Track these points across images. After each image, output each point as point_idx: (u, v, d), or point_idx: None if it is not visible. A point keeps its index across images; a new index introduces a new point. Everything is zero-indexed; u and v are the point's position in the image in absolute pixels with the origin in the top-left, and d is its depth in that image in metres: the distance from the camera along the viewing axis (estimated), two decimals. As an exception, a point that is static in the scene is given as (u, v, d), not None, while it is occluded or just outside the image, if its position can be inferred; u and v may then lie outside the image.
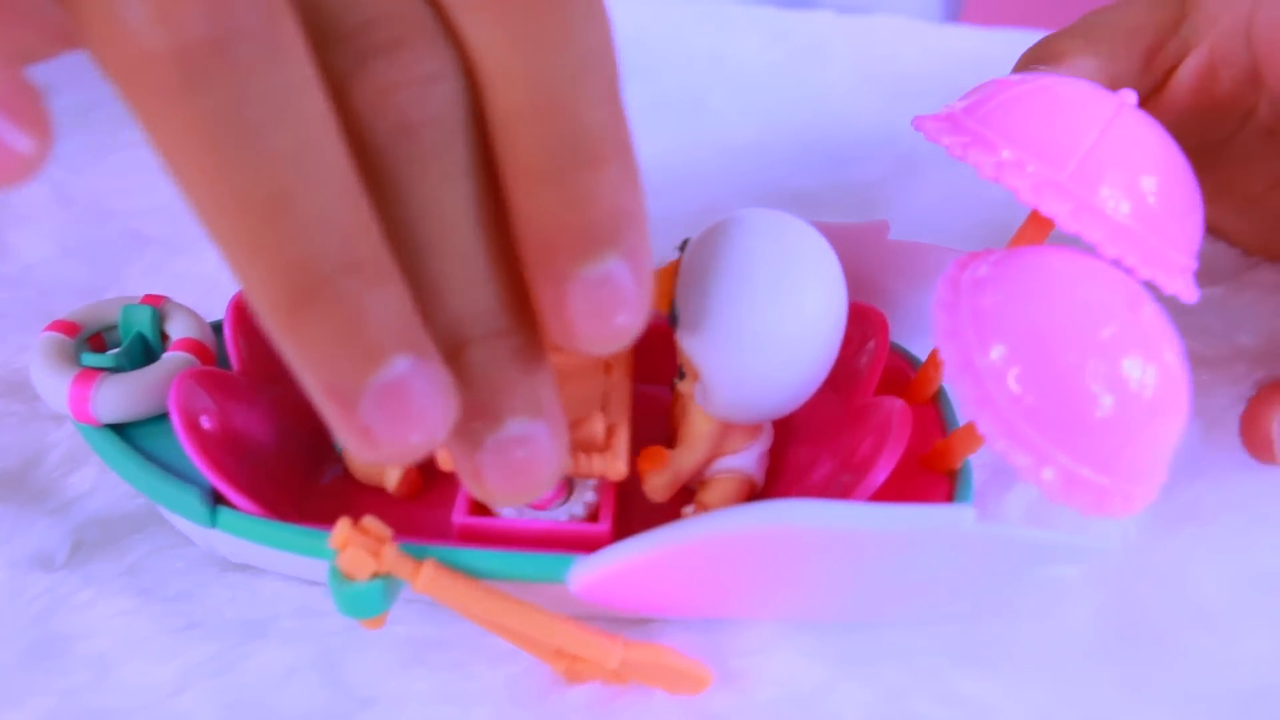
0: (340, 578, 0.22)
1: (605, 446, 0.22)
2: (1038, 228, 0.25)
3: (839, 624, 0.24)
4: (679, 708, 0.22)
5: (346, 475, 0.27)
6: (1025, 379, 0.21)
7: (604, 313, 0.17)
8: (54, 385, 0.25)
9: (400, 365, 0.16)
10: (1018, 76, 0.25)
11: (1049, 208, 0.22)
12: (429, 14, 0.17)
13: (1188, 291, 0.23)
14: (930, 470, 0.25)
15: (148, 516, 0.27)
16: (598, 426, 0.22)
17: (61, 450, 0.28)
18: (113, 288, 0.33)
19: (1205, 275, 0.34)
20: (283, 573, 0.25)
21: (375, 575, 0.22)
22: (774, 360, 0.22)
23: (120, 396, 0.25)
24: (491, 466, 0.18)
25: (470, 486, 0.18)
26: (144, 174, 0.39)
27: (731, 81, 0.43)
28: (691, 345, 0.22)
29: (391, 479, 0.26)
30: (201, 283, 0.28)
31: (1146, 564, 0.25)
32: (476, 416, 0.17)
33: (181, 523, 0.25)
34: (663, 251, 0.25)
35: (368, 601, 0.22)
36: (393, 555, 0.22)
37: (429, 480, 0.27)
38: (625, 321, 0.17)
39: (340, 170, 0.16)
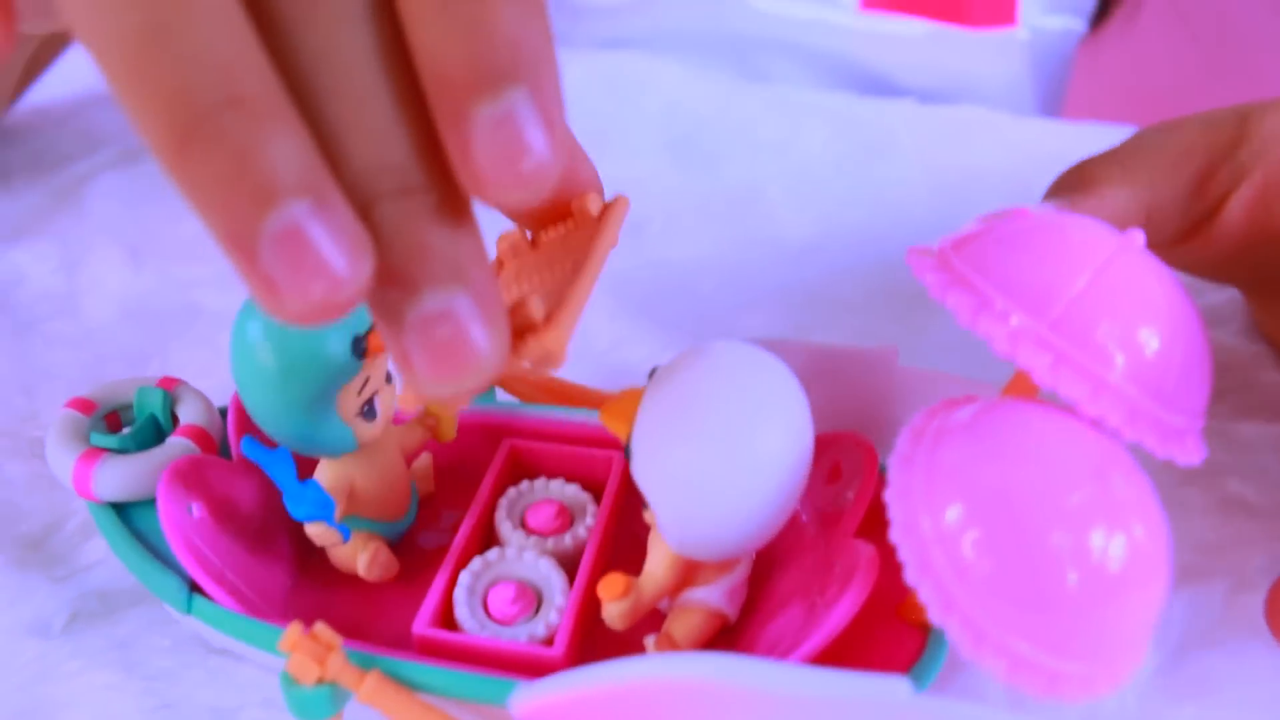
0: (289, 680, 0.22)
1: (548, 323, 0.19)
2: (1028, 382, 0.24)
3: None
4: None
5: (319, 564, 0.27)
6: (980, 546, 0.20)
7: (509, 155, 0.16)
8: (62, 461, 0.26)
9: (296, 208, 0.15)
10: (1019, 210, 0.24)
11: (1025, 360, 0.21)
12: None
13: (1185, 454, 0.22)
14: (904, 620, 0.24)
15: (141, 595, 0.28)
16: (536, 307, 0.19)
17: (79, 519, 0.29)
18: (157, 358, 0.35)
19: (1272, 411, 0.32)
20: (258, 662, 0.26)
21: (321, 681, 0.22)
22: (721, 504, 0.22)
23: (119, 477, 0.26)
24: (416, 347, 0.16)
25: (403, 376, 0.17)
26: (210, 243, 0.41)
27: (793, 174, 0.43)
28: (642, 480, 0.22)
29: (362, 561, 0.26)
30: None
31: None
32: (392, 284, 0.16)
33: (168, 605, 0.26)
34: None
35: (314, 706, 0.22)
36: (338, 664, 0.22)
37: (407, 565, 0.27)
38: (533, 166, 0.16)
39: (221, 3, 0.16)
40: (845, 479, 0.26)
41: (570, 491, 0.28)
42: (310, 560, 0.27)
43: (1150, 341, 0.22)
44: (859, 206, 0.41)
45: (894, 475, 0.21)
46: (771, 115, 0.45)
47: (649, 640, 0.24)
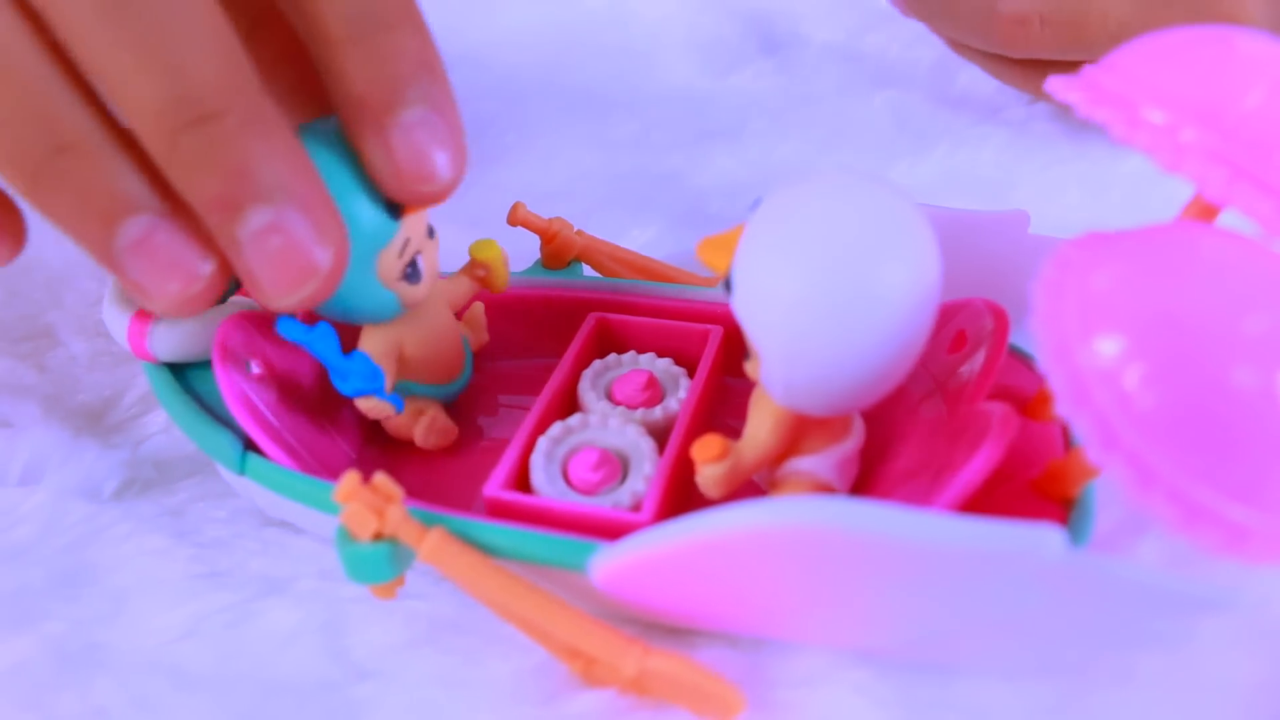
0: (346, 537, 0.20)
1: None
2: (1204, 211, 0.20)
3: (904, 662, 0.20)
4: (702, 732, 0.19)
5: (379, 436, 0.25)
6: (1149, 381, 0.16)
7: (425, 153, 0.19)
8: (117, 319, 0.24)
9: (136, 226, 0.17)
10: (1168, 31, 0.21)
11: (1195, 173, 0.18)
12: None
13: None
14: (1043, 496, 0.21)
15: (205, 462, 0.26)
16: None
17: (141, 390, 0.28)
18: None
19: None
20: (317, 533, 0.24)
21: (379, 537, 0.20)
22: (835, 337, 0.18)
23: (176, 335, 0.24)
24: (253, 264, 0.18)
25: (253, 289, 0.18)
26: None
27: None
28: (745, 315, 0.19)
29: (419, 429, 0.24)
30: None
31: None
32: (217, 209, 0.17)
33: (225, 472, 0.24)
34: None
35: (371, 565, 0.20)
36: (398, 516, 0.20)
37: (464, 433, 0.25)
38: (445, 161, 0.19)
39: (36, 64, 0.18)
40: (969, 349, 0.23)
41: (661, 365, 0.25)
42: (375, 437, 0.25)
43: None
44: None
45: (1042, 302, 0.18)
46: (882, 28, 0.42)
47: (746, 513, 0.21)
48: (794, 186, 0.20)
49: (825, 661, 0.20)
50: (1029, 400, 0.23)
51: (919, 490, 0.21)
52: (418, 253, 0.22)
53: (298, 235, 0.18)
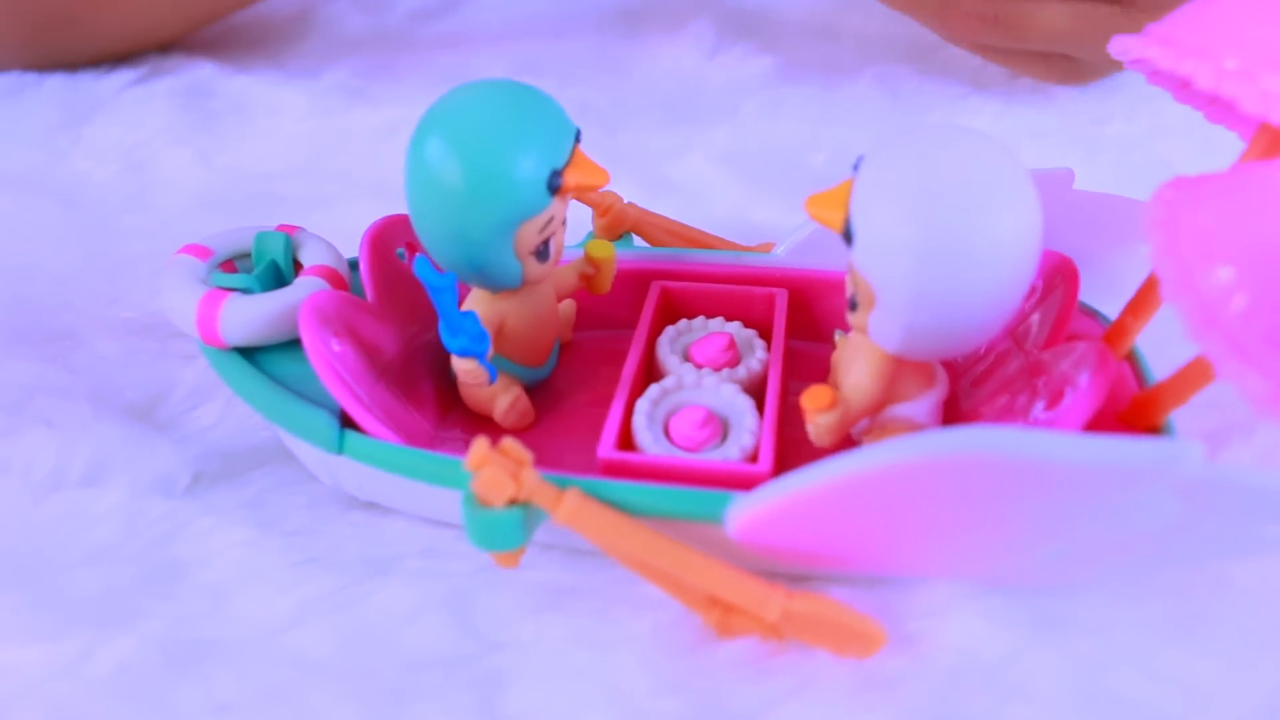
0: (475, 504, 0.20)
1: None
2: (1267, 148, 0.22)
3: (1024, 588, 0.21)
4: (846, 671, 0.20)
5: (459, 405, 0.25)
6: (1257, 302, 0.18)
7: None
8: (182, 304, 0.24)
9: None
10: None
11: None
12: None
13: None
14: (1129, 427, 0.22)
15: (272, 452, 0.25)
16: None
17: (189, 385, 0.27)
18: (248, 237, 0.32)
19: None
20: (409, 512, 0.23)
21: (513, 502, 0.20)
22: (960, 280, 0.19)
23: (249, 317, 0.24)
24: None
25: None
26: (283, 140, 0.39)
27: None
28: (869, 262, 0.20)
29: (501, 404, 0.24)
30: (337, 234, 0.27)
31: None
32: None
33: (308, 457, 0.24)
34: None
35: (504, 531, 0.20)
36: (533, 480, 0.20)
37: (541, 413, 0.25)
38: None
39: None
40: (1038, 298, 0.24)
41: (733, 327, 0.26)
42: (451, 412, 0.25)
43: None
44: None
45: (1158, 238, 0.19)
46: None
47: (854, 459, 0.22)
48: (903, 141, 0.20)
49: (949, 593, 0.21)
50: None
51: (1015, 425, 0.22)
52: (553, 234, 0.22)
53: None
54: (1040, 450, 0.17)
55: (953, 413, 0.24)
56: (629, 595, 0.21)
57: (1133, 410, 0.22)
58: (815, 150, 0.37)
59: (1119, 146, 0.36)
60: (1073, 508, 0.19)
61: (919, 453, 0.18)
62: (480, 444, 0.20)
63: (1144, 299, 0.23)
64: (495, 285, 0.23)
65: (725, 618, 0.20)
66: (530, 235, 0.22)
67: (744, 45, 0.43)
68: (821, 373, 0.25)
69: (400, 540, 0.23)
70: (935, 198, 0.19)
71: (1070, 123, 0.38)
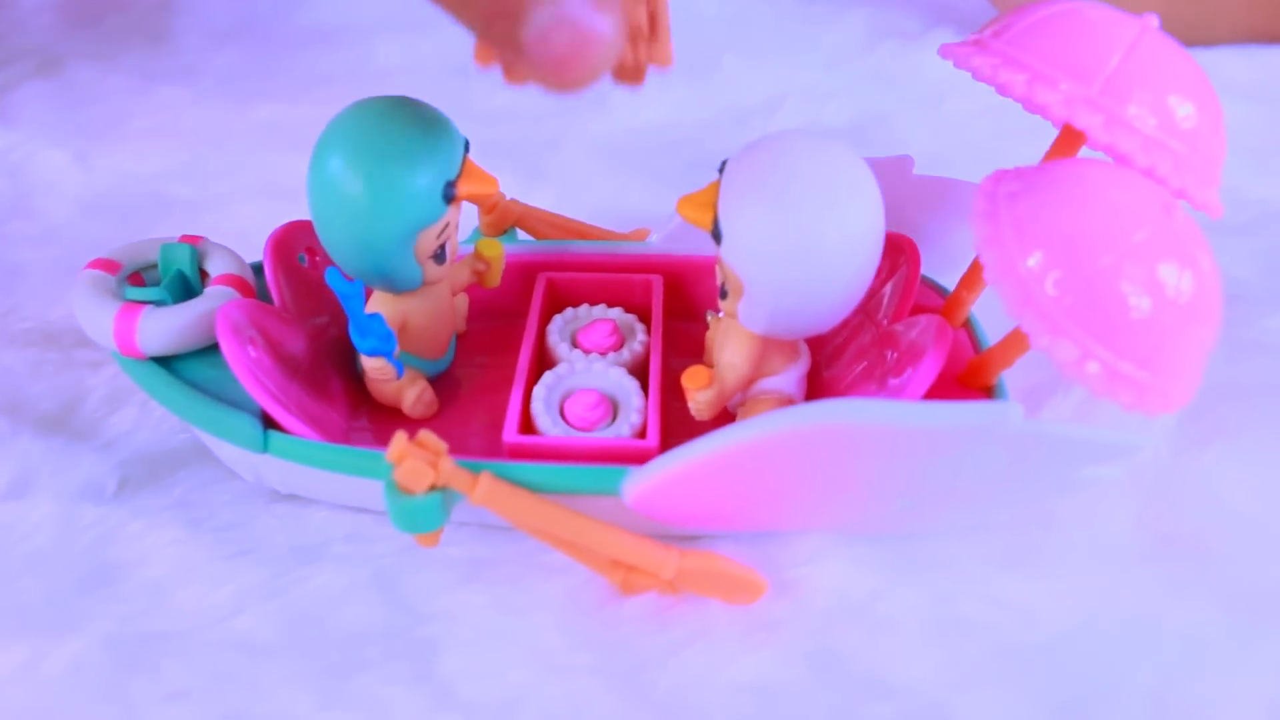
0: (397, 492, 0.22)
1: (651, 33, 0.21)
2: (1069, 145, 0.25)
3: (884, 535, 0.24)
4: (735, 617, 0.23)
5: (367, 399, 0.27)
6: (1063, 282, 0.21)
7: (570, 58, 0.18)
8: (98, 319, 0.25)
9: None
10: (1039, 3, 0.25)
11: (1082, 121, 0.23)
12: None
13: (1215, 206, 0.24)
14: (967, 388, 0.25)
15: (191, 453, 0.27)
16: (640, 11, 0.21)
17: (100, 392, 0.28)
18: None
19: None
20: (330, 501, 0.25)
21: (432, 488, 0.22)
22: (817, 270, 0.22)
23: (165, 328, 0.25)
24: (542, 61, 0.18)
25: (543, 83, 0.18)
26: (164, 139, 0.39)
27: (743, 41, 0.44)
28: (736, 258, 0.23)
29: (409, 397, 0.26)
30: (232, 237, 0.28)
31: (1181, 476, 0.25)
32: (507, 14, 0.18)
33: (229, 455, 0.25)
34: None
35: (425, 515, 0.22)
36: (450, 467, 0.22)
37: (445, 402, 0.27)
38: (594, 57, 0.18)
39: None
40: (885, 275, 0.27)
41: (615, 313, 0.28)
42: (361, 406, 0.27)
43: (1182, 109, 0.24)
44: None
45: (981, 229, 0.22)
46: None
47: (732, 431, 0.25)
48: (761, 148, 0.23)
49: (820, 543, 0.24)
50: (938, 311, 0.27)
51: (873, 394, 0.25)
52: (449, 238, 0.24)
53: (585, 25, 0.18)
54: (886, 417, 0.20)
55: (815, 382, 0.27)
56: (540, 564, 0.24)
57: (969, 373, 0.25)
58: (682, 136, 0.39)
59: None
60: (918, 464, 0.22)
61: (785, 425, 0.20)
62: (400, 438, 0.22)
63: (975, 274, 0.26)
64: (398, 288, 0.25)
65: (627, 578, 0.23)
66: (429, 241, 0.24)
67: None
68: (698, 351, 0.28)
69: (325, 528, 0.25)
70: (791, 200, 0.22)
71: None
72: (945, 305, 0.27)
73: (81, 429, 0.27)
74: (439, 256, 0.25)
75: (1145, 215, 0.22)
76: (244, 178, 0.37)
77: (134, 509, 0.25)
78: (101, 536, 0.24)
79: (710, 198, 0.24)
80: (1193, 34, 0.45)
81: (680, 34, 0.44)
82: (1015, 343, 0.24)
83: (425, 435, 0.22)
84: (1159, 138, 0.23)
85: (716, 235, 0.23)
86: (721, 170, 0.24)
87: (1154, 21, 0.25)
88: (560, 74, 0.18)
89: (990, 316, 0.27)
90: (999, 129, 0.38)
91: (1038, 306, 0.21)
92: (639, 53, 0.20)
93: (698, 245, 0.29)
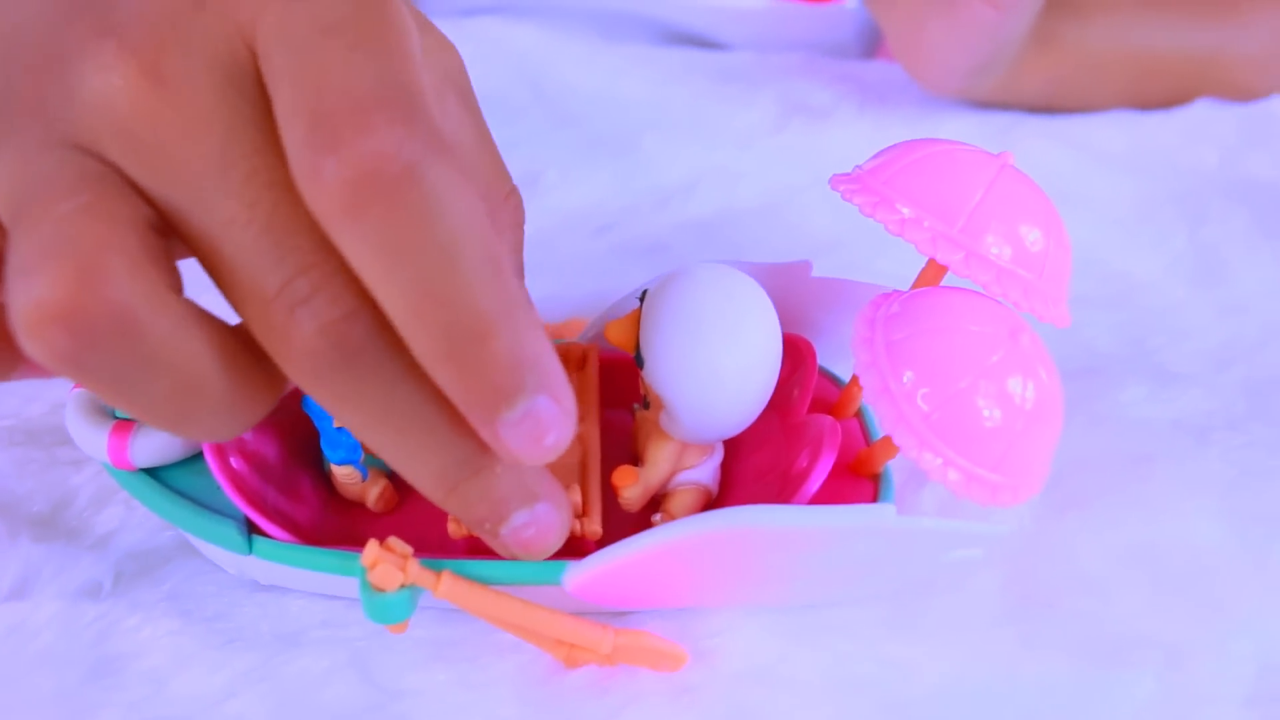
0: (371, 590, 0.25)
1: (584, 512, 0.27)
2: (935, 271, 0.30)
3: (787, 607, 0.28)
4: (662, 682, 0.27)
5: (333, 493, 0.31)
6: (931, 399, 0.25)
7: (534, 439, 0.21)
8: (92, 437, 0.28)
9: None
10: (916, 142, 0.30)
11: (944, 257, 0.27)
12: (337, 261, 0.21)
13: (1062, 319, 0.28)
14: (857, 474, 0.30)
15: (175, 549, 0.30)
16: (576, 496, 0.27)
17: (87, 492, 0.31)
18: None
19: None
20: (307, 590, 0.29)
21: (402, 586, 0.26)
22: (728, 391, 0.26)
23: (155, 443, 0.28)
24: (512, 544, 0.24)
25: (502, 553, 0.25)
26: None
27: (665, 125, 0.48)
28: (658, 382, 0.27)
29: (372, 495, 0.30)
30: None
31: (1039, 543, 0.30)
32: (486, 521, 0.24)
33: (213, 551, 0.29)
34: (621, 292, 0.30)
35: (396, 609, 0.26)
36: (416, 569, 0.26)
37: (403, 495, 0.31)
38: (554, 439, 0.21)
39: (227, 377, 0.22)
40: (786, 371, 0.31)
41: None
42: (329, 502, 0.30)
43: (1031, 237, 0.28)
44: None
45: (860, 355, 0.26)
46: (638, 70, 0.50)
47: (656, 518, 0.29)
48: (673, 285, 0.27)
49: (732, 615, 0.28)
50: (834, 404, 0.31)
51: (773, 485, 0.29)
52: None
53: (546, 524, 0.24)
54: (785, 520, 0.24)
55: (728, 468, 0.31)
56: (495, 643, 0.27)
57: (859, 462, 0.30)
58: (607, 221, 0.43)
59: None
60: (813, 553, 0.26)
61: (704, 528, 0.24)
62: (372, 546, 0.25)
63: (865, 372, 0.31)
64: None
65: (570, 653, 0.27)
66: None
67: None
68: (626, 436, 0.32)
69: (302, 615, 0.28)
70: (702, 334, 0.26)
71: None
72: (840, 398, 0.31)
73: (73, 528, 0.30)
74: None
75: (997, 340, 0.26)
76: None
77: (130, 603, 0.28)
78: (103, 631, 0.27)
79: (633, 324, 0.27)
80: (1078, 99, 0.50)
81: (605, 115, 0.48)
82: (893, 444, 0.29)
83: (394, 541, 0.26)
84: (1010, 268, 0.27)
85: (639, 360, 0.27)
86: (641, 299, 0.28)
87: (1010, 159, 0.29)
88: (526, 552, 0.24)
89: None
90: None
91: (908, 423, 0.25)
92: (578, 528, 0.27)
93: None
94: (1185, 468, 0.32)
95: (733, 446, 0.31)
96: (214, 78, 0.21)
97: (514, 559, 0.25)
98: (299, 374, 0.21)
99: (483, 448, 0.22)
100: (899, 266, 0.40)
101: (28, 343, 0.20)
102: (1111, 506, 0.31)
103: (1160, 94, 0.50)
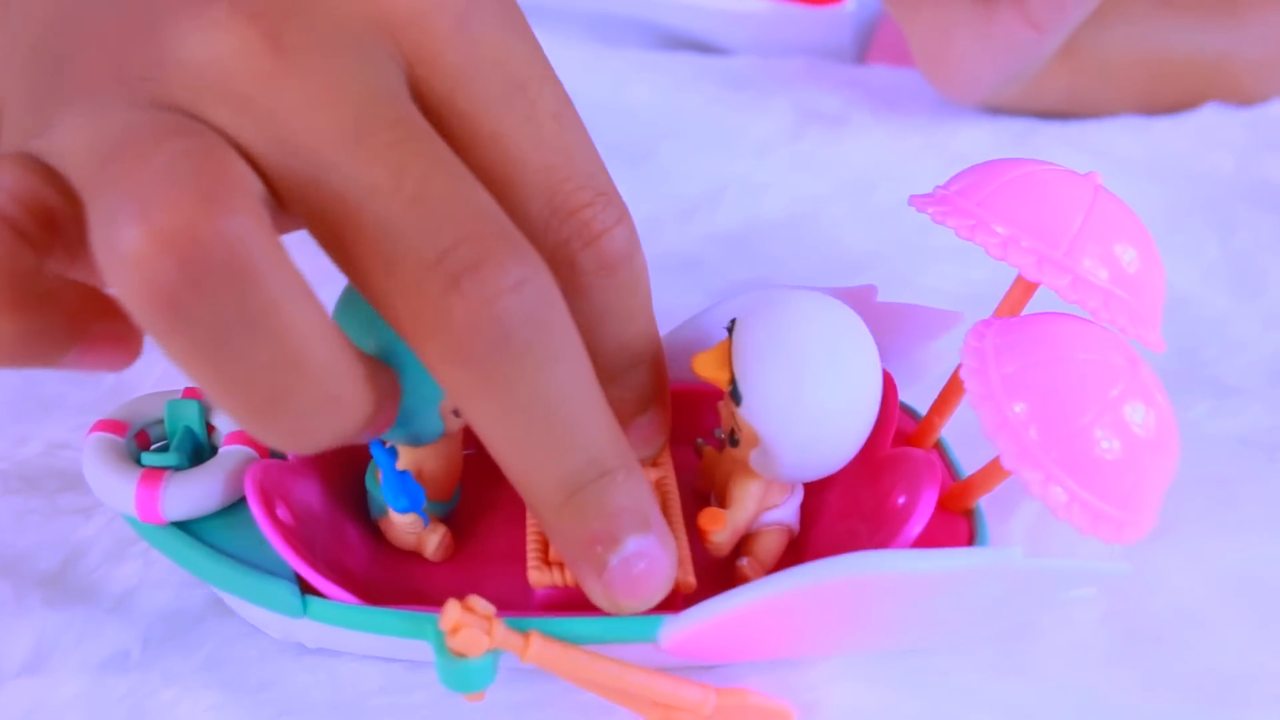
0: (449, 656, 0.23)
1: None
2: (1022, 294, 0.28)
3: (888, 653, 0.26)
4: (764, 744, 0.24)
5: (381, 543, 0.28)
6: (1051, 432, 0.24)
7: (640, 583, 0.22)
8: (117, 488, 0.25)
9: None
10: (1003, 162, 0.28)
11: (1050, 281, 0.26)
12: (505, 222, 0.20)
13: (1159, 343, 0.27)
14: (948, 510, 0.28)
15: (206, 607, 0.27)
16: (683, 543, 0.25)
17: (101, 546, 0.28)
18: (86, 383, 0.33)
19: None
20: (361, 652, 0.26)
21: (487, 651, 0.23)
22: (836, 427, 0.25)
23: (189, 494, 0.25)
24: (619, 582, 0.22)
25: (598, 601, 0.23)
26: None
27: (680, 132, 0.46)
28: (758, 418, 0.25)
29: (431, 544, 0.27)
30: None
31: (1134, 575, 0.28)
32: (598, 543, 0.22)
33: (254, 613, 0.26)
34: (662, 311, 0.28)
35: (479, 676, 0.23)
36: (503, 632, 0.23)
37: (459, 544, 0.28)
38: (661, 585, 0.23)
39: (331, 365, 0.20)
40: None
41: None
42: (377, 547, 0.28)
43: (1128, 257, 0.27)
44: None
45: (974, 386, 0.24)
46: (644, 76, 0.48)
47: (743, 562, 0.27)
48: (769, 313, 0.25)
49: (830, 665, 0.26)
50: (910, 435, 0.30)
51: (861, 524, 0.27)
52: None
53: (657, 560, 0.22)
54: (908, 567, 0.23)
55: (807, 510, 0.28)
56: (578, 704, 0.25)
57: (949, 497, 0.28)
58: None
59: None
60: (927, 598, 0.24)
61: (817, 578, 0.22)
62: (453, 608, 0.23)
63: (944, 401, 0.29)
64: (422, 441, 0.26)
65: (666, 715, 0.24)
66: (450, 401, 0.25)
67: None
68: (690, 475, 0.30)
69: (359, 681, 0.25)
70: (809, 365, 0.24)
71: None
72: (918, 429, 0.29)
73: (87, 588, 0.27)
74: (458, 411, 0.26)
75: (1117, 370, 0.24)
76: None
77: (163, 674, 0.25)
78: (135, 708, 0.24)
79: (724, 356, 0.25)
80: (1094, 105, 0.49)
81: (615, 124, 0.46)
82: (992, 474, 0.27)
83: (475, 601, 0.23)
84: (1114, 290, 0.26)
85: (735, 396, 0.25)
86: (730, 329, 0.26)
87: (1099, 178, 0.28)
88: (630, 595, 0.23)
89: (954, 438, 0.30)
90: (923, 221, 0.41)
91: (1032, 457, 0.24)
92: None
93: (683, 373, 0.30)
94: (1265, 489, 0.31)
95: (812, 482, 0.29)
96: (343, 52, 0.20)
97: (615, 611, 0.23)
98: (454, 354, 0.20)
99: (615, 442, 0.22)
100: (942, 282, 0.39)
101: (123, 280, 0.18)
102: (1200, 533, 0.30)
103: (1170, 99, 0.49)
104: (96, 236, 0.18)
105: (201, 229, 0.18)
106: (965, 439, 0.29)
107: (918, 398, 0.31)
